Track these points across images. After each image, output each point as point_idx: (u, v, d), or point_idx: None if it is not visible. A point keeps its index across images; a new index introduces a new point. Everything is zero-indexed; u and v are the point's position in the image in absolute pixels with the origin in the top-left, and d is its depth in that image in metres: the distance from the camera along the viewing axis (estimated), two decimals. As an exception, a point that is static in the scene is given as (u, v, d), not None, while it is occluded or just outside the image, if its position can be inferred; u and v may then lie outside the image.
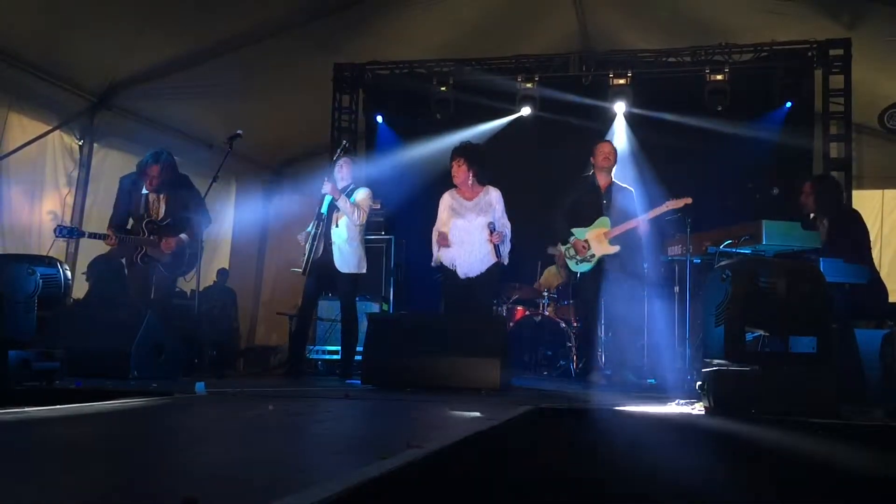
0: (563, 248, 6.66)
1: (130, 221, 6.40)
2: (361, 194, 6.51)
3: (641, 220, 6.37)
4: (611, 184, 6.59)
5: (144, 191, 6.36)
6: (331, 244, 6.39)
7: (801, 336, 4.12)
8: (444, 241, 6.31)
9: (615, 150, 6.72)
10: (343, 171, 6.60)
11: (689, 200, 6.18)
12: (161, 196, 6.39)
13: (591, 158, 6.63)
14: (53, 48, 7.22)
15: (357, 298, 6.90)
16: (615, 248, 6.38)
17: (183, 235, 6.35)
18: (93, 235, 6.25)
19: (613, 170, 6.66)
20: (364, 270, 6.57)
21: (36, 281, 4.45)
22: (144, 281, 6.32)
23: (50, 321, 4.98)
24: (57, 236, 6.15)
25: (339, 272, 6.41)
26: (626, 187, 6.66)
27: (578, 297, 7.19)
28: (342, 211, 6.36)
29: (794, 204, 6.35)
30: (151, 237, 6.28)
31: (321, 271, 6.43)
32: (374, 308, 8.07)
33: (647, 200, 6.71)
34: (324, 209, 6.47)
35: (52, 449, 2.43)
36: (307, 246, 6.41)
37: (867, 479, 2.55)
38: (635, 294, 6.68)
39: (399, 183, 9.17)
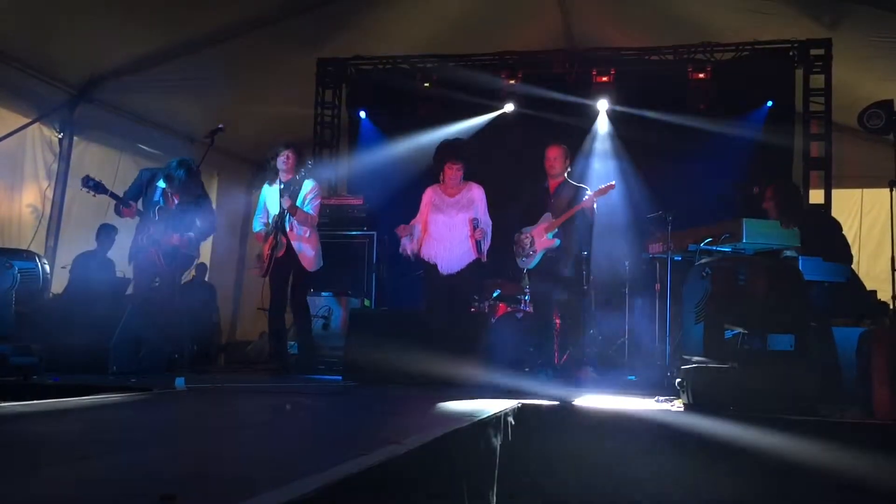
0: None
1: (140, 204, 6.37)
2: (311, 203, 6.42)
3: (574, 210, 6.13)
4: (561, 183, 6.37)
5: (162, 185, 6.34)
6: (287, 239, 6.33)
7: (779, 334, 4.15)
8: (404, 231, 6.29)
9: (563, 154, 6.38)
10: (288, 163, 6.40)
11: (612, 184, 6.09)
12: (174, 192, 6.39)
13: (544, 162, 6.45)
14: (34, 41, 7.15)
15: (333, 294, 6.85)
16: (554, 242, 6.17)
17: (191, 234, 6.34)
18: (115, 196, 6.15)
19: (566, 171, 6.40)
20: (321, 264, 6.52)
21: (13, 275, 4.42)
22: (150, 269, 6.29)
23: (28, 315, 4.94)
24: (82, 186, 6.07)
25: (296, 266, 6.38)
26: (579, 185, 6.40)
27: (532, 294, 7.08)
28: (302, 224, 6.31)
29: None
30: (161, 222, 6.25)
31: (282, 265, 6.39)
32: (356, 304, 8.06)
33: (626, 196, 6.60)
34: (274, 210, 6.41)
35: (27, 445, 2.41)
36: (266, 246, 6.37)
37: (843, 478, 2.58)
38: (572, 290, 6.50)
39: (382, 179, 9.15)
